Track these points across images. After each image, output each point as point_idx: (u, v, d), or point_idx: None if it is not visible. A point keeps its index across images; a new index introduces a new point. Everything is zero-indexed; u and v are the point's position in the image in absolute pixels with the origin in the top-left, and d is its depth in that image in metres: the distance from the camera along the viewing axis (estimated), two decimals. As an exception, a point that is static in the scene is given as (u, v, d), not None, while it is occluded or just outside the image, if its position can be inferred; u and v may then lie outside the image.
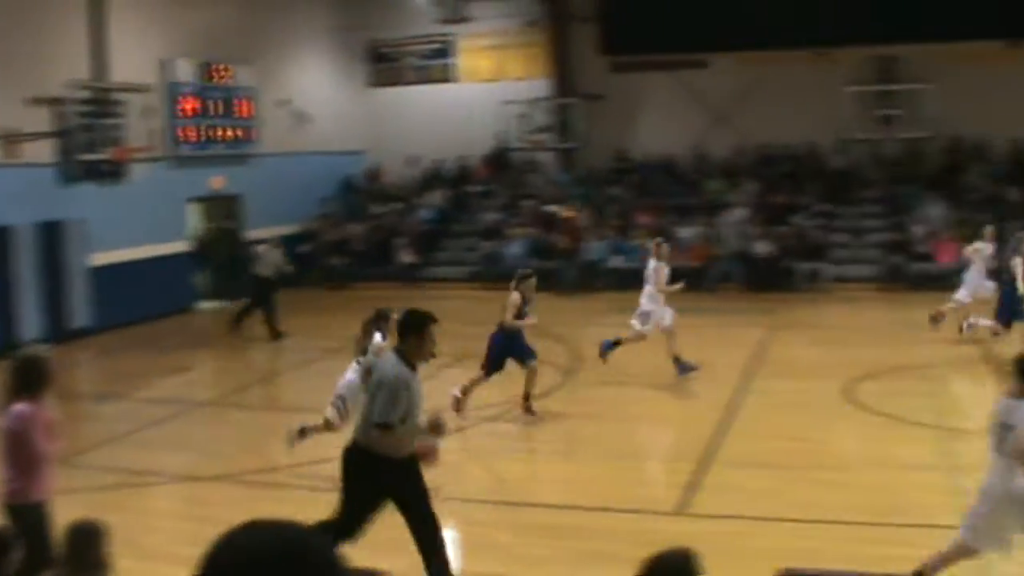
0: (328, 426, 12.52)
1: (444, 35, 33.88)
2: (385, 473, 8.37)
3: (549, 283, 27.78)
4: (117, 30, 24.30)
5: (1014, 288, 17.80)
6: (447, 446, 13.11)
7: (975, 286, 20.21)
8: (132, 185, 23.89)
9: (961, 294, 20.38)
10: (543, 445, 14.53)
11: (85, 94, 23.36)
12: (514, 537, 10.47)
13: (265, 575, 2.15)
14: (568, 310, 25.88)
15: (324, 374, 20.45)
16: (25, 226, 22.41)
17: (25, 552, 7.02)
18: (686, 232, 28.72)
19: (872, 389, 16.43)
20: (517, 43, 33.75)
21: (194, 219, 28.38)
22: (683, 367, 17.23)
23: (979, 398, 15.70)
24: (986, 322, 19.09)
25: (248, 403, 17.86)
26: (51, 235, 23.09)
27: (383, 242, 31.43)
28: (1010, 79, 28.48)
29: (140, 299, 24.78)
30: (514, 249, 29.77)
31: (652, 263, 17.58)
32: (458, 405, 15.12)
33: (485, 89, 33.29)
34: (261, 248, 23.18)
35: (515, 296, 15.02)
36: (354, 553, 6.85)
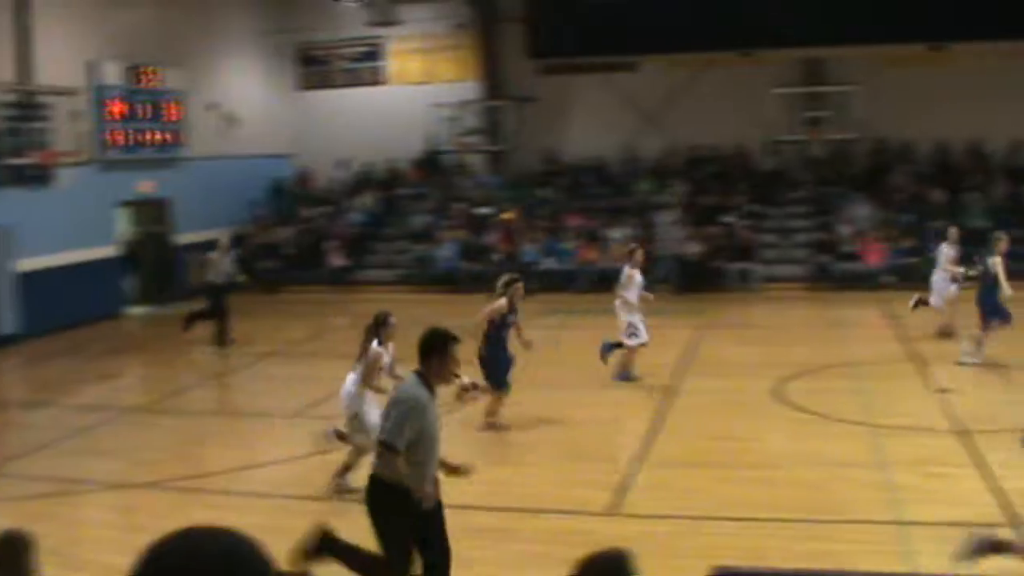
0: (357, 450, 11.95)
1: (374, 38, 33.80)
2: (405, 502, 7.81)
3: (480, 286, 27.88)
4: (43, 32, 23.97)
5: (994, 287, 17.90)
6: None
7: (940, 289, 20.41)
8: (59, 189, 23.61)
9: (933, 299, 20.56)
10: (475, 448, 14.51)
11: (10, 97, 23.07)
12: (454, 541, 10.42)
13: None
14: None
15: (257, 378, 20.44)
16: (-50, 232, 22.11)
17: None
18: (616, 233, 28.86)
19: (801, 387, 16.61)
20: (447, 46, 33.76)
21: (122, 223, 28.06)
22: (625, 375, 17.37)
23: (905, 395, 15.95)
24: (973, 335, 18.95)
25: (179, 409, 17.66)
26: (-23, 241, 22.78)
27: (313, 245, 31.29)
28: (934, 82, 28.94)
29: (68, 305, 24.44)
30: (445, 252, 29.76)
31: (626, 269, 17.48)
32: (495, 428, 14.81)
33: (415, 92, 33.25)
34: (213, 254, 22.78)
35: (501, 302, 14.65)
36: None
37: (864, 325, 23.11)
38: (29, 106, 23.39)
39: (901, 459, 12.56)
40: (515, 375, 14.98)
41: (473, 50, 33.45)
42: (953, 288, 20.31)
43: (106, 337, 24.47)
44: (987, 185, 28.92)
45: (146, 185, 27.94)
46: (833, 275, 27.55)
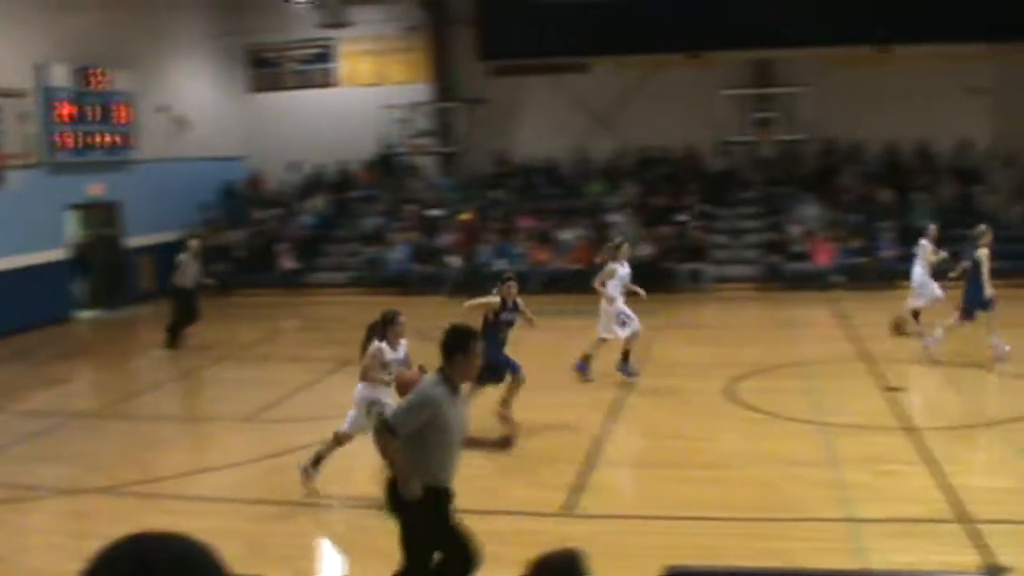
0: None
1: (325, 40, 33.69)
2: (432, 501, 7.76)
3: (432, 288, 27.88)
4: (-11, 34, 23.78)
5: (978, 280, 18.00)
6: (337, 450, 13.07)
7: (920, 286, 20.52)
8: (8, 192, 23.41)
9: (914, 301, 20.63)
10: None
11: (-43, 100, 22.86)
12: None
13: None
14: (453, 314, 25.91)
15: (209, 382, 20.34)
16: None
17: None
18: (568, 234, 28.94)
19: (752, 387, 16.70)
20: (398, 48, 33.71)
21: (72, 227, 27.80)
22: (628, 370, 17.42)
23: (855, 394, 16.07)
24: (946, 323, 19.02)
25: (130, 413, 17.51)
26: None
27: (264, 248, 31.14)
28: (882, 83, 29.22)
29: (17, 309, 24.21)
30: (396, 254, 29.72)
31: (609, 264, 17.56)
32: (509, 424, 14.61)
33: (366, 94, 33.19)
34: (182, 257, 22.47)
35: (494, 299, 14.65)
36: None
37: (814, 325, 23.30)
38: (-24, 109, 23.18)
39: (851, 457, 12.66)
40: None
41: (424, 52, 33.42)
42: (937, 290, 20.29)
43: (55, 342, 24.25)
44: (934, 185, 29.22)
45: (96, 188, 27.71)
46: (783, 275, 27.75)
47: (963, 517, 10.20)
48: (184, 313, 22.25)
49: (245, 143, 34.23)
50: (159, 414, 17.63)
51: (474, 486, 12.45)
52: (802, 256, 27.90)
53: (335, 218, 32.82)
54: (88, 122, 27.22)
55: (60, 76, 26.38)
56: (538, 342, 17.49)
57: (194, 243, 23.06)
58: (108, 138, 27.91)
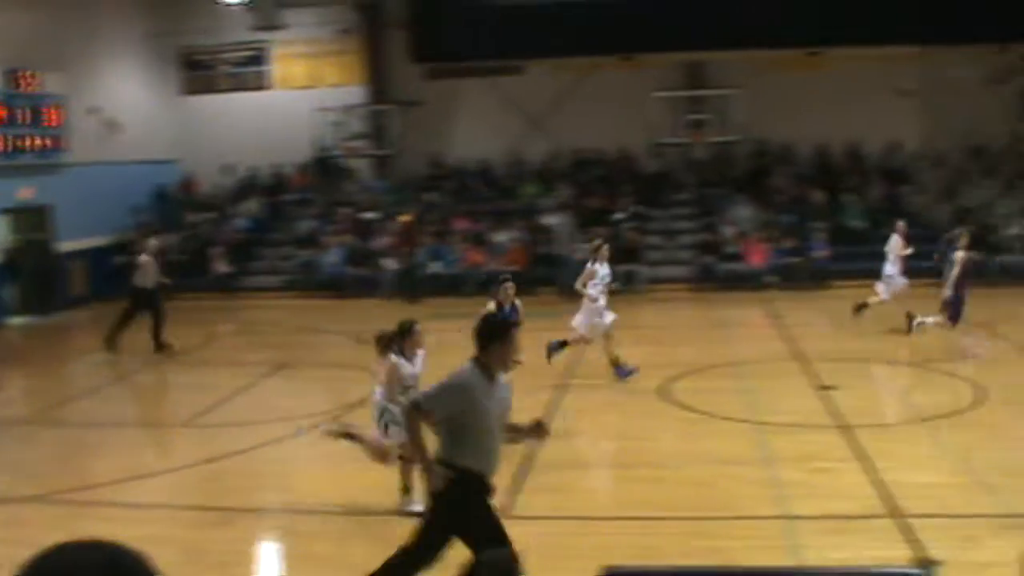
0: (404, 458, 11.23)
1: (258, 42, 33.45)
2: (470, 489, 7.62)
3: (367, 290, 27.82)
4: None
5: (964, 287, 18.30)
6: (269, 455, 13.01)
7: (890, 281, 20.72)
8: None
9: (881, 294, 20.84)
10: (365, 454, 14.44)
11: None
12: (336, 547, 10.40)
13: None
14: (388, 317, 25.88)
15: (143, 387, 20.16)
16: None
17: None
18: (503, 236, 28.97)
19: (688, 387, 16.81)
20: (332, 50, 33.59)
21: (2, 231, 27.43)
22: (622, 370, 17.40)
23: (789, 392, 16.22)
24: (933, 319, 19.24)
25: (64, 420, 17.29)
26: None
27: (198, 252, 30.90)
28: (812, 86, 29.54)
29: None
30: (331, 257, 29.61)
31: (588, 265, 17.69)
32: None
33: (300, 96, 33.00)
34: (142, 258, 22.12)
35: (490, 306, 14.62)
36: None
37: (748, 325, 23.51)
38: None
39: (786, 455, 12.79)
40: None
41: (358, 55, 33.34)
42: (902, 283, 20.57)
43: (-15, 348, 23.94)
44: (864, 186, 29.58)
45: (26, 192, 27.35)
46: (717, 276, 27.95)
47: (895, 512, 10.34)
48: (135, 312, 21.89)
49: (178, 146, 33.92)
50: (93, 420, 17.42)
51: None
52: (735, 257, 28.13)
53: (269, 221, 32.64)
54: (18, 125, 26.85)
55: (-11, 79, 26.06)
56: (472, 345, 17.46)
57: (152, 243, 22.79)
58: (38, 141, 27.55)
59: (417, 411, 7.68)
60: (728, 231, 28.72)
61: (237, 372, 19.90)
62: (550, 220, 29.26)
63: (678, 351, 19.91)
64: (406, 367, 11.11)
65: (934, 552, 9.13)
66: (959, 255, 18.30)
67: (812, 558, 9.34)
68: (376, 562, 8.09)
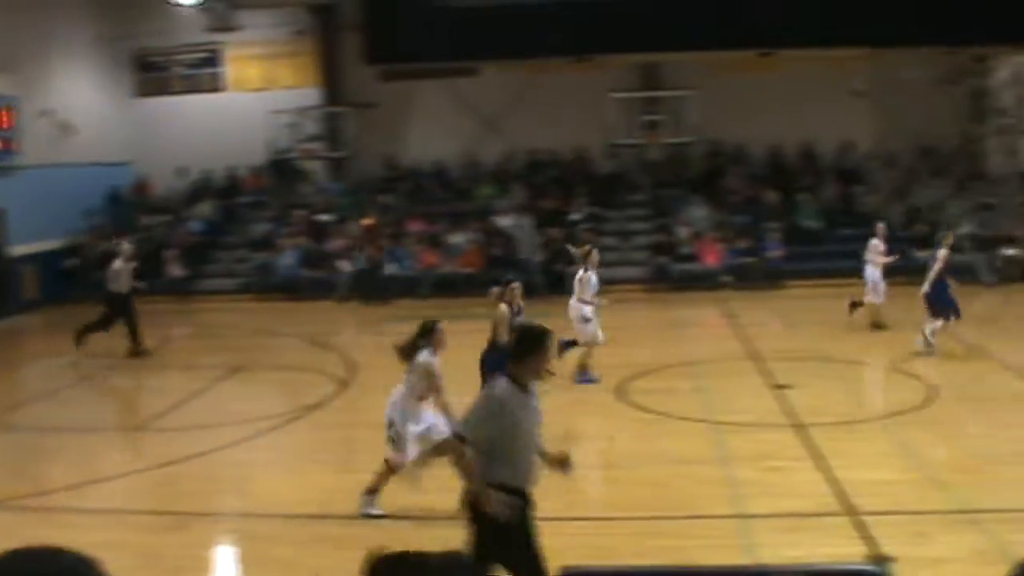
0: (390, 468, 11.24)
1: (212, 44, 33.25)
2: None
3: (322, 292, 27.76)
4: None
5: (945, 282, 18.42)
6: (226, 459, 12.95)
7: (875, 283, 20.82)
8: None
9: (869, 296, 20.92)
10: (323, 455, 14.41)
11: None
12: (296, 550, 10.36)
13: None
14: (342, 319, 25.87)
15: (97, 391, 19.99)
16: None
17: None
18: (458, 238, 28.97)
19: (643, 387, 16.88)
20: (286, 52, 33.46)
21: (-49, 236, 27.19)
22: (585, 376, 17.38)
23: (744, 392, 16.31)
24: (930, 327, 19.23)
25: (16, 425, 17.11)
26: None
27: (152, 255, 30.64)
28: (766, 87, 29.70)
29: None
30: (286, 259, 29.50)
31: (580, 273, 17.61)
32: None
33: (254, 98, 32.82)
34: (117, 263, 21.77)
35: (503, 309, 14.58)
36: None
37: (703, 325, 23.65)
38: None
39: (742, 454, 12.86)
40: (362, 382, 14.90)
41: (312, 56, 33.23)
42: (881, 283, 20.74)
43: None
44: (818, 186, 29.78)
45: (-24, 195, 27.12)
46: (672, 276, 28.05)
47: (849, 510, 10.43)
48: (113, 318, 21.63)
49: (131, 148, 33.64)
50: (47, 425, 17.26)
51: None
52: (690, 257, 28.26)
53: (224, 224, 32.46)
54: (-33, 128, 26.62)
55: (-63, 81, 25.80)
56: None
57: (126, 247, 22.46)
58: (-11, 144, 27.32)
59: (461, 441, 7.51)
60: (683, 232, 28.84)
61: (193, 375, 19.81)
62: (505, 221, 29.28)
63: (633, 351, 19.93)
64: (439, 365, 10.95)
65: (887, 548, 9.21)
66: (941, 253, 18.54)
67: (767, 556, 9.41)
68: (334, 563, 8.06)
